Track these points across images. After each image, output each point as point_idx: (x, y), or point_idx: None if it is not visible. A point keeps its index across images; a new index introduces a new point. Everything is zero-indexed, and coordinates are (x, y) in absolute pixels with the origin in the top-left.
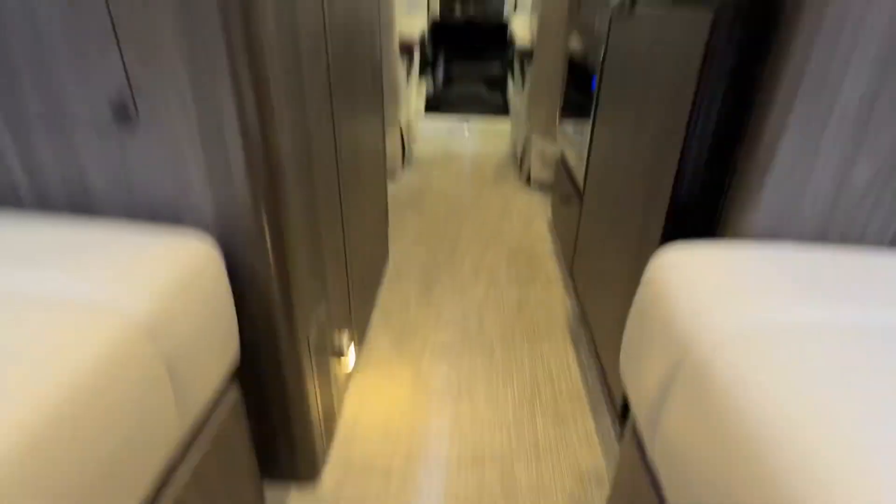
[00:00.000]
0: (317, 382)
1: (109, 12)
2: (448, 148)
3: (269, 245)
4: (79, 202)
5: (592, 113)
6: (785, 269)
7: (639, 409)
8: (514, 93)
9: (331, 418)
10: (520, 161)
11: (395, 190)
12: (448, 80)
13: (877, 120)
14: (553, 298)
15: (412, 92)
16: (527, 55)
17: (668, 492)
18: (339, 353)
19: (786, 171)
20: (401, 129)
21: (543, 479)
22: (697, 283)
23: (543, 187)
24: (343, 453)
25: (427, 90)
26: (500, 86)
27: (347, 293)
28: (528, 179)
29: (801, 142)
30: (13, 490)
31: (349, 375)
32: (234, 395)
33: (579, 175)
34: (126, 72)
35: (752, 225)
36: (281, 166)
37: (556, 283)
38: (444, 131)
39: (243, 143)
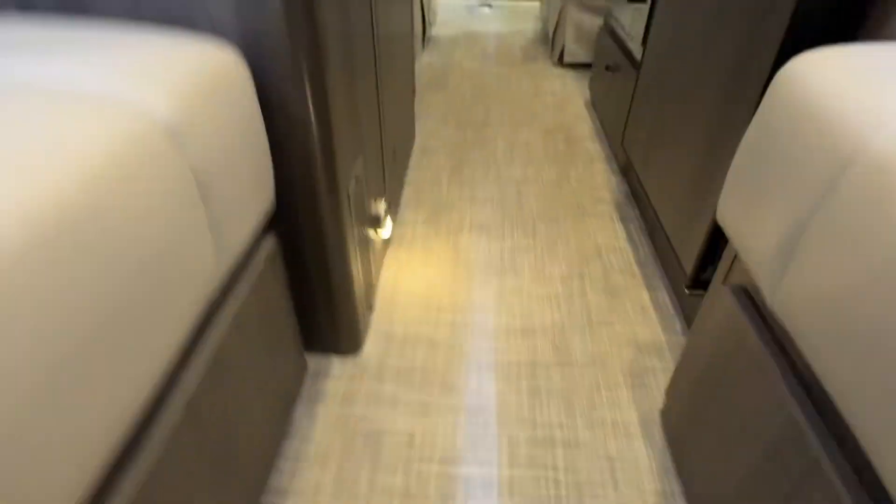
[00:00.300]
0: (357, 246)
1: None
2: (469, 28)
3: (305, 72)
4: (70, 2)
5: None
6: None
7: (757, 253)
8: None
9: (370, 289)
10: (551, 39)
11: (417, 70)
12: None
13: None
14: (596, 176)
15: None
16: None
17: (813, 343)
18: (377, 221)
19: None
20: (421, 4)
21: (600, 349)
22: (855, 81)
23: (577, 67)
24: (384, 326)
25: None
26: None
27: (381, 162)
28: (561, 58)
29: None
30: (13, 292)
31: (385, 247)
32: (272, 243)
33: (635, 41)
34: None
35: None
36: None
37: (599, 162)
38: (463, 10)
39: None
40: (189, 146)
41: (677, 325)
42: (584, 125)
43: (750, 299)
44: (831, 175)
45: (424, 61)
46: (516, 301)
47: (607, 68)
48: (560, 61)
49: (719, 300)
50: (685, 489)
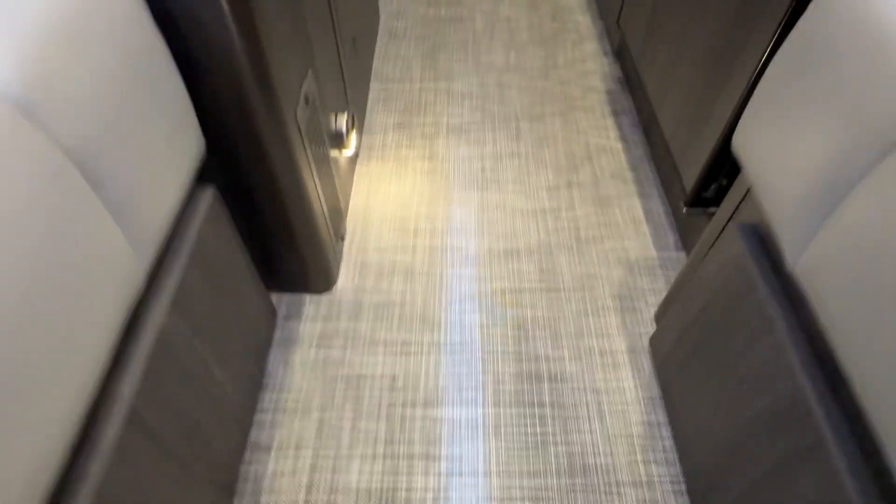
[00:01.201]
0: (315, 175)
1: None
2: None
3: None
4: None
5: None
6: None
7: (784, 200)
8: None
9: (337, 217)
10: None
11: None
12: None
13: None
14: (587, 59)
15: None
16: None
17: (841, 319)
18: (339, 141)
19: None
20: None
21: (588, 269)
22: None
23: None
24: (358, 255)
25: None
26: None
27: (339, 63)
28: None
29: None
30: None
31: (353, 163)
32: (209, 197)
33: None
34: None
35: None
36: None
37: (590, 41)
38: None
39: None
40: (52, 120)
41: (671, 239)
42: None
43: (764, 247)
44: (882, 144)
45: None
46: (499, 219)
47: None
48: None
49: (726, 241)
50: (671, 420)
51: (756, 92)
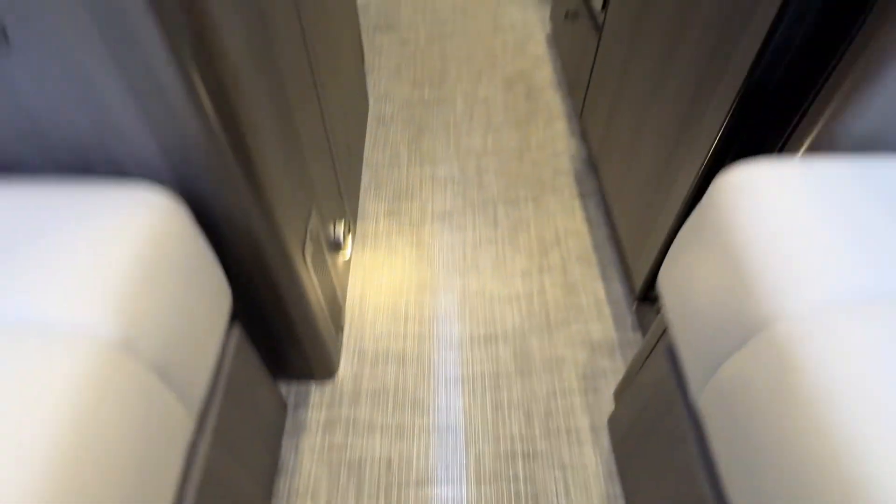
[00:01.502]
0: (317, 285)
1: None
2: None
3: (238, 174)
4: None
5: None
6: (886, 206)
7: (683, 337)
8: None
9: (337, 311)
10: None
11: (363, 2)
12: None
13: None
14: (556, 139)
15: None
16: None
17: (716, 440)
18: (337, 246)
19: None
20: None
21: (557, 352)
22: (782, 227)
23: None
24: (356, 343)
25: None
26: None
27: (336, 178)
28: None
29: None
30: None
31: (348, 261)
32: (236, 337)
33: None
34: None
35: (846, 131)
36: (231, 64)
37: (560, 120)
38: None
39: (170, 48)
40: (144, 347)
41: (629, 320)
42: (545, 70)
43: (680, 370)
44: (749, 328)
45: None
46: (479, 305)
47: (567, 15)
48: None
49: (656, 358)
50: (626, 494)
51: (674, 244)
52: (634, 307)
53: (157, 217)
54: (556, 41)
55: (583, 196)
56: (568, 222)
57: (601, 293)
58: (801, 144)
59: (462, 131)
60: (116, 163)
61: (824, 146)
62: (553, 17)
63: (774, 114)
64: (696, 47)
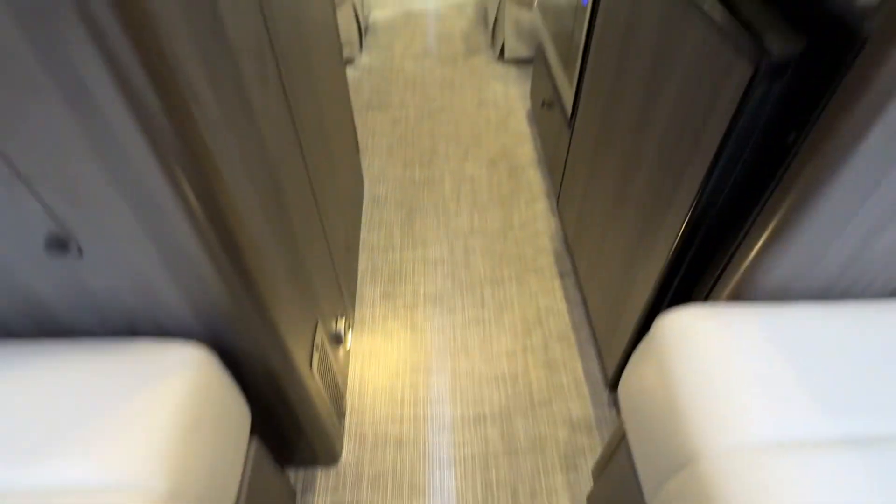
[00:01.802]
0: (321, 385)
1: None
2: (407, 3)
3: (258, 323)
4: (45, 324)
5: (584, 35)
6: (801, 352)
7: (637, 448)
8: None
9: (339, 399)
10: (492, 30)
11: (357, 78)
12: None
13: None
14: (538, 218)
15: None
16: None
17: None
18: (339, 341)
19: (816, 233)
20: (353, 5)
21: (540, 430)
22: (708, 372)
23: (519, 62)
24: (357, 427)
25: None
26: None
27: (336, 277)
28: (502, 53)
29: (840, 209)
30: None
31: (348, 350)
32: (254, 448)
33: (565, 91)
34: (54, 216)
35: (764, 280)
36: (251, 240)
37: (540, 200)
38: None
39: (204, 244)
40: (188, 491)
41: (605, 397)
42: (526, 146)
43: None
44: (681, 460)
45: (364, 63)
46: (469, 386)
47: (543, 104)
48: (501, 56)
49: (621, 455)
50: None
51: (627, 368)
52: (607, 396)
53: (195, 372)
54: (536, 120)
55: (562, 275)
56: (549, 301)
57: (579, 371)
58: (726, 288)
59: (451, 212)
60: (158, 324)
61: (744, 293)
62: (532, 96)
63: (706, 259)
64: (646, 183)
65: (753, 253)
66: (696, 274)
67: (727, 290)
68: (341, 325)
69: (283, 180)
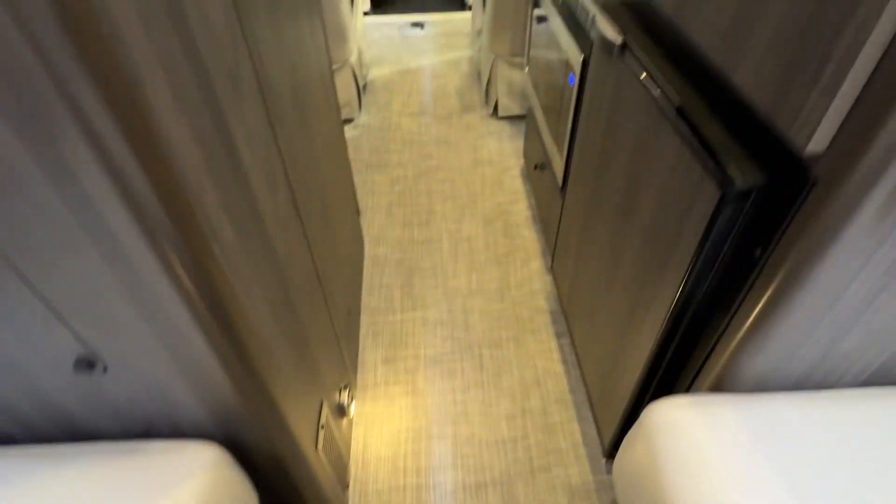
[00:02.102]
0: (325, 461)
1: (42, 299)
2: (403, 62)
3: (268, 420)
4: (67, 428)
5: (572, 111)
6: (778, 441)
7: None
8: (475, 9)
9: (342, 470)
10: (485, 88)
11: (356, 137)
12: None
13: (882, 301)
14: (533, 278)
15: (358, 19)
16: None
17: None
18: (342, 412)
19: (788, 333)
20: (352, 68)
21: (540, 497)
22: (692, 461)
23: (513, 119)
24: (361, 498)
25: None
26: None
27: (338, 345)
28: (496, 109)
29: (808, 314)
30: None
31: (351, 418)
32: None
33: (556, 161)
34: (83, 342)
35: (743, 372)
36: (257, 337)
37: (535, 258)
38: (396, 33)
39: (218, 355)
40: None
41: (603, 462)
42: (520, 205)
43: None
44: None
45: (363, 122)
46: (470, 452)
47: (536, 167)
48: (495, 112)
49: None
50: None
51: (622, 443)
52: (604, 464)
53: (210, 474)
54: (529, 178)
55: (558, 336)
56: (546, 363)
57: (577, 435)
58: (708, 377)
59: (449, 272)
60: (174, 424)
61: (725, 383)
62: (525, 154)
63: (689, 350)
64: (632, 269)
65: (731, 348)
66: (681, 360)
67: (709, 381)
68: (345, 396)
69: (290, 275)
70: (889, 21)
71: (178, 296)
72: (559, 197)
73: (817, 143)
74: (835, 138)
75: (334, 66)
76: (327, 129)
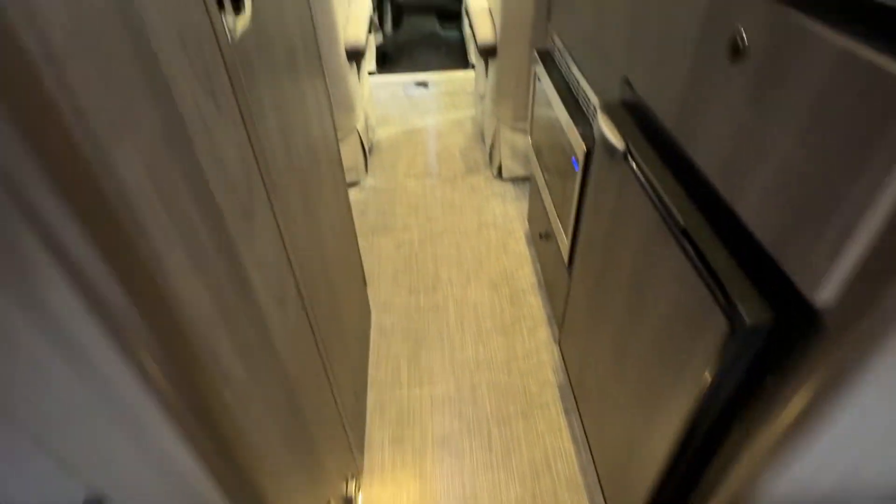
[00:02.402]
0: None
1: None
2: (409, 122)
3: None
4: None
5: (577, 197)
6: None
7: None
8: (478, 73)
9: None
10: (489, 151)
11: (362, 200)
12: (398, 15)
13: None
14: (541, 348)
15: (365, 86)
16: (490, 52)
17: None
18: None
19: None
20: (358, 133)
21: None
22: None
23: (516, 180)
24: None
25: (376, 41)
26: (455, 21)
27: (346, 436)
28: (500, 170)
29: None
30: None
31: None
32: None
33: (561, 237)
34: (93, 487)
35: (760, 493)
36: (267, 467)
37: (542, 327)
38: (401, 92)
39: (221, 491)
40: None
41: None
42: (525, 269)
43: None
44: None
45: (369, 185)
46: None
47: (541, 236)
48: (499, 174)
49: None
50: None
51: None
52: None
53: None
54: (534, 243)
55: (567, 412)
56: (556, 441)
57: None
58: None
59: (456, 344)
60: None
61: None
62: (529, 219)
63: (704, 463)
64: (640, 373)
65: (745, 470)
66: (695, 472)
67: (724, 499)
68: (352, 487)
69: (300, 387)
70: None
71: (187, 448)
72: (565, 273)
73: (826, 292)
74: (846, 289)
75: (341, 135)
76: (334, 210)
